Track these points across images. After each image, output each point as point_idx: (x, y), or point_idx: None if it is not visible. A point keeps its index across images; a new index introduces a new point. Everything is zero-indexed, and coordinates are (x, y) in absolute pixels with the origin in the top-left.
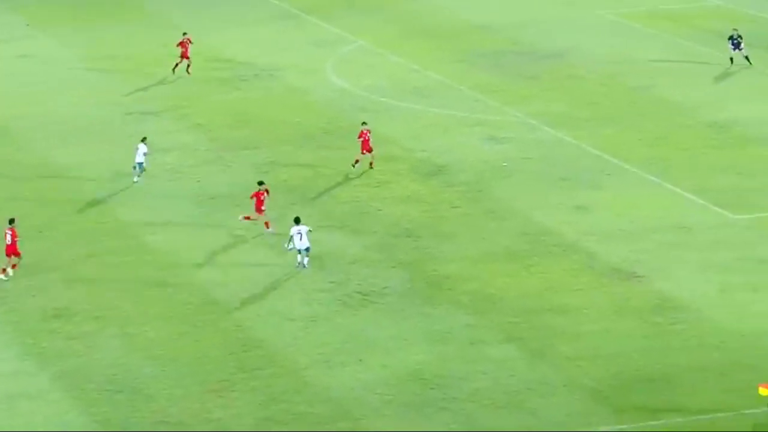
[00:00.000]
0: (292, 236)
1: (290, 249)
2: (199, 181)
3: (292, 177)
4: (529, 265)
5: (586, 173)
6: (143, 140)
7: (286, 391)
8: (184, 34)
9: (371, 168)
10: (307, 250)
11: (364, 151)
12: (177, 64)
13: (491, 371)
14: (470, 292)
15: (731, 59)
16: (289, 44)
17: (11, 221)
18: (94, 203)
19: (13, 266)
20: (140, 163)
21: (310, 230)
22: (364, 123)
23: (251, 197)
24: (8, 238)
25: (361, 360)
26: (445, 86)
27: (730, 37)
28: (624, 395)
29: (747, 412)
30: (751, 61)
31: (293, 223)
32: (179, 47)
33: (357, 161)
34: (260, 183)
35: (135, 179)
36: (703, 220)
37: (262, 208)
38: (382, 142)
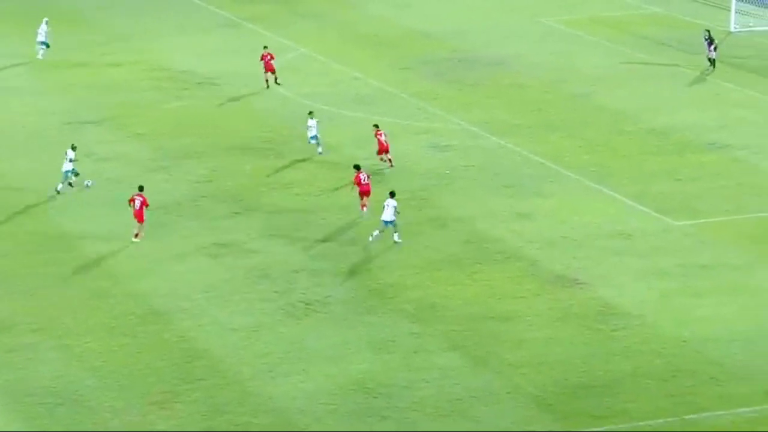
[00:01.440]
0: (384, 206)
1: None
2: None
3: (235, 186)
4: (473, 273)
5: (529, 180)
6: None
7: (230, 402)
8: (265, 47)
9: (391, 167)
10: (390, 223)
11: (382, 152)
12: (267, 81)
13: (435, 379)
14: (414, 300)
15: (710, 60)
16: (230, 52)
17: (140, 188)
18: (33, 214)
19: (137, 234)
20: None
21: (396, 207)
22: (375, 125)
23: (354, 182)
24: (137, 203)
25: (304, 370)
26: (387, 94)
27: (705, 38)
28: (567, 402)
29: (688, 417)
30: (714, 65)
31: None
32: (261, 61)
33: (388, 161)
34: (357, 167)
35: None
36: (644, 227)
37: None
38: (325, 150)
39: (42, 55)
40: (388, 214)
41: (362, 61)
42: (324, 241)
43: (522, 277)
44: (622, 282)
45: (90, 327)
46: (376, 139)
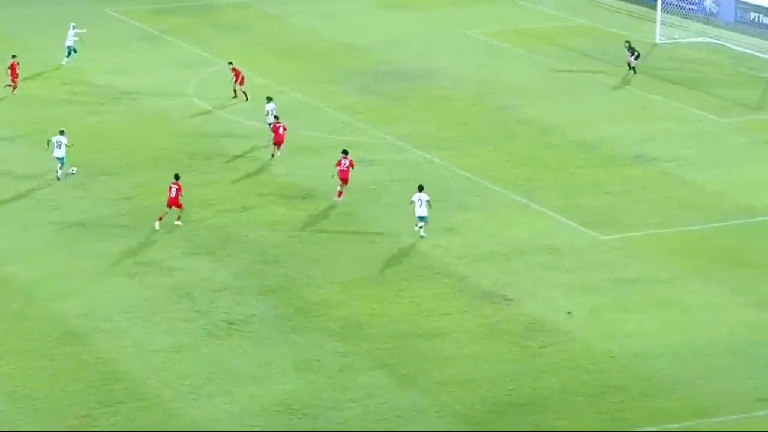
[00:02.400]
0: (413, 201)
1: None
2: (57, 209)
3: (155, 203)
4: (399, 290)
5: (456, 195)
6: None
7: (150, 425)
8: (230, 63)
9: (272, 158)
10: (424, 218)
11: (276, 143)
12: (244, 92)
13: (361, 399)
14: (339, 318)
15: (630, 66)
16: (150, 66)
17: (177, 177)
18: None
19: (178, 218)
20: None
21: (428, 201)
22: (276, 117)
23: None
24: (173, 191)
25: (228, 391)
26: (311, 107)
27: (627, 48)
28: (495, 420)
29: None
30: (635, 71)
31: (417, 190)
32: (233, 74)
33: (276, 152)
34: (344, 152)
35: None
36: (572, 241)
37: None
38: (248, 166)
39: (67, 61)
40: (422, 210)
41: (286, 75)
42: (247, 258)
43: (449, 294)
44: (551, 297)
45: (5, 350)
46: (272, 132)
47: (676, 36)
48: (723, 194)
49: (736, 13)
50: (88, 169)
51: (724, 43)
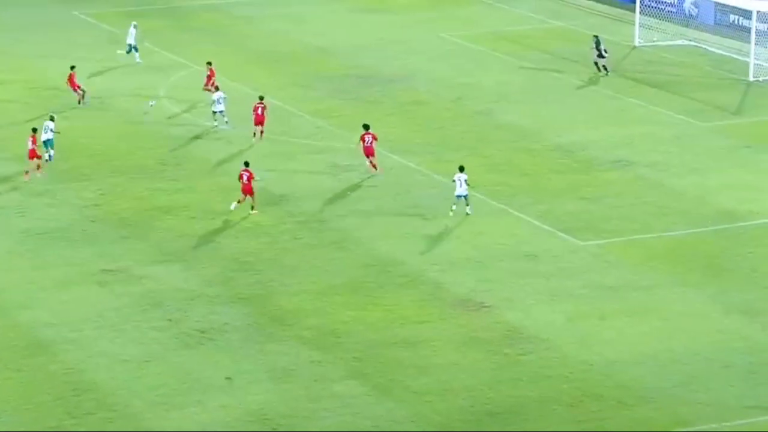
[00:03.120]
0: (454, 181)
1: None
2: (24, 215)
3: (126, 210)
4: (375, 298)
5: (432, 201)
6: None
7: None
8: (209, 63)
9: (254, 137)
10: (463, 196)
11: (257, 125)
12: (209, 88)
13: (336, 409)
14: (314, 326)
15: (603, 67)
16: (119, 70)
17: (246, 164)
18: None
19: (239, 201)
20: None
21: (466, 180)
22: (260, 97)
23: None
24: (245, 178)
25: (199, 401)
26: (284, 112)
27: (595, 44)
28: (473, 429)
29: None
30: (607, 70)
31: (457, 170)
32: (207, 79)
33: (260, 133)
34: (365, 126)
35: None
36: (549, 248)
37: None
38: (219, 172)
39: (138, 57)
40: (462, 189)
41: (258, 78)
42: (219, 266)
43: (426, 301)
44: (528, 305)
45: None
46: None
47: (654, 39)
48: (702, 199)
49: (715, 15)
50: (56, 176)
51: (703, 46)
